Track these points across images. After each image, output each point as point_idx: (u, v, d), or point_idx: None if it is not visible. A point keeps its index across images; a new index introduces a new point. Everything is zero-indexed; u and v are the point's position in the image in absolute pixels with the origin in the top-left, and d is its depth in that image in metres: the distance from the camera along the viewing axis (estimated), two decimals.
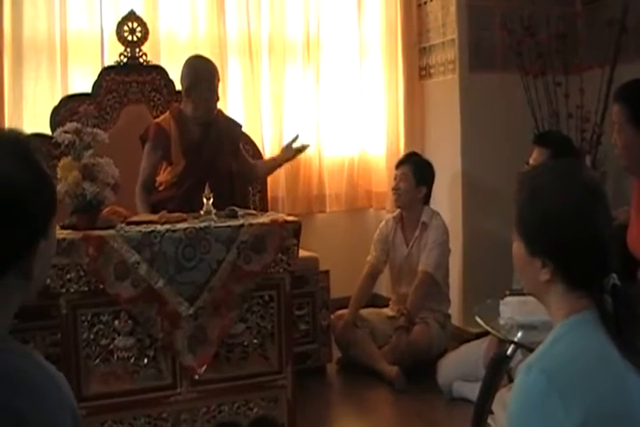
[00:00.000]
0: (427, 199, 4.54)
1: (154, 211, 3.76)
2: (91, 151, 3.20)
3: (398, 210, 4.61)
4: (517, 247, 1.61)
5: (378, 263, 4.59)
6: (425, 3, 5.22)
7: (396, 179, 4.55)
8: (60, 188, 3.10)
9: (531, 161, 3.67)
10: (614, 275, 1.50)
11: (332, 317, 4.36)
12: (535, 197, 1.59)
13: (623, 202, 3.39)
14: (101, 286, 3.03)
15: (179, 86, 4.17)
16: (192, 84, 3.96)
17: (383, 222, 4.69)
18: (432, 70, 5.20)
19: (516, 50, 4.64)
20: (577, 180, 1.58)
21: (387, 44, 5.42)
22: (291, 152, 4.24)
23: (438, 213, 4.51)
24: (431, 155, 4.65)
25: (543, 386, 1.38)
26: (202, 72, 3.97)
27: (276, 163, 4.38)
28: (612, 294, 1.49)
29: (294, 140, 4.22)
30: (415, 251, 4.48)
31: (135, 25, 4.58)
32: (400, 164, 4.60)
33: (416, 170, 4.48)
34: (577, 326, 1.49)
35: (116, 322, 3.09)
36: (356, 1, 5.50)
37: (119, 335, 3.09)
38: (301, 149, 4.25)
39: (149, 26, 4.64)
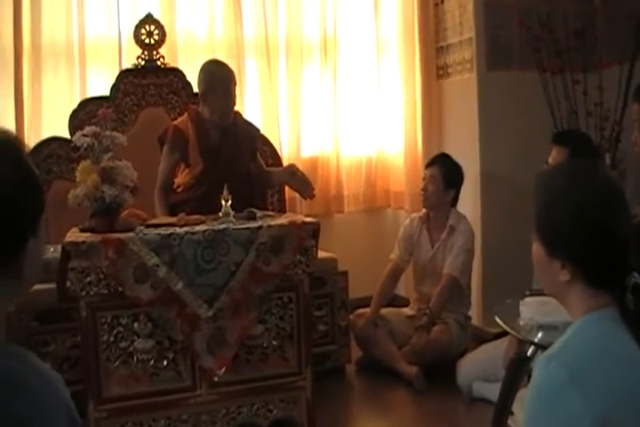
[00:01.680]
0: (454, 202, 4.52)
1: (172, 212, 3.78)
2: (109, 154, 3.22)
3: (424, 210, 4.59)
4: (536, 249, 1.61)
5: (401, 262, 4.58)
6: (442, 2, 5.20)
7: (424, 180, 4.53)
8: (79, 191, 3.13)
9: (550, 160, 3.65)
10: (636, 273, 1.50)
11: (352, 316, 4.36)
12: (552, 198, 1.59)
13: None
14: (121, 289, 3.04)
15: (196, 89, 4.18)
16: (208, 90, 3.97)
17: (408, 221, 4.67)
18: (450, 69, 5.19)
19: (534, 47, 4.62)
20: (594, 180, 1.58)
21: (404, 43, 5.41)
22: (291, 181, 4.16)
23: (465, 217, 4.50)
24: (449, 153, 4.62)
25: (563, 378, 1.38)
26: (218, 77, 3.97)
27: (276, 181, 4.32)
28: (634, 293, 1.48)
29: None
30: (440, 253, 4.47)
31: (152, 28, 4.60)
32: (429, 165, 4.58)
33: (445, 172, 4.46)
34: (597, 321, 1.49)
35: (136, 324, 3.10)
36: (373, 0, 5.49)
37: (139, 338, 3.10)
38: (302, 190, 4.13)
39: (166, 28, 4.66)
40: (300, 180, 4.09)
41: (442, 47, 5.26)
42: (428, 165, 4.59)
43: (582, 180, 1.59)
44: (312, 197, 4.14)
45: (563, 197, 1.57)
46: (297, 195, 5.09)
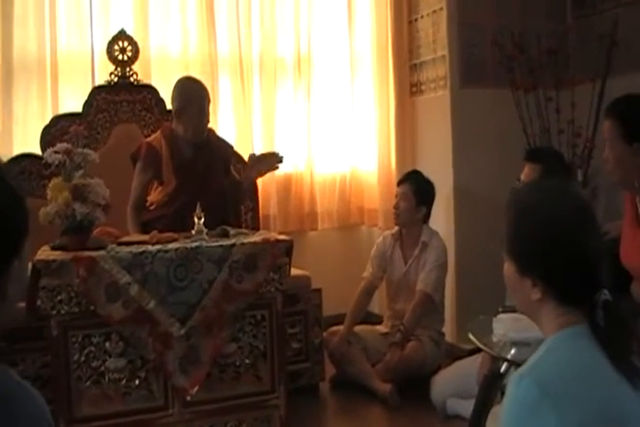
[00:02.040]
0: (426, 218, 4.53)
1: (145, 230, 3.76)
2: (81, 172, 3.20)
3: (397, 227, 4.60)
4: (508, 267, 1.62)
5: (374, 279, 4.58)
6: (415, 19, 5.23)
7: (396, 197, 4.54)
8: (51, 208, 3.10)
9: (522, 177, 3.67)
10: (605, 291, 1.50)
11: (326, 333, 4.34)
12: (523, 217, 1.59)
13: (615, 216, 3.39)
14: (92, 308, 3.02)
15: (169, 105, 4.17)
16: (182, 107, 3.96)
17: (380, 239, 4.67)
18: (423, 87, 5.21)
19: (507, 65, 4.65)
20: (564, 198, 1.59)
21: (377, 60, 5.44)
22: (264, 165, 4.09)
23: (437, 233, 4.51)
24: (423, 171, 4.63)
25: (535, 395, 1.38)
26: (192, 95, 3.97)
27: (251, 176, 4.23)
28: (604, 310, 1.49)
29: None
30: (413, 269, 4.47)
31: (126, 44, 4.59)
32: (401, 182, 4.59)
33: (416, 189, 4.47)
34: (569, 338, 1.50)
35: (107, 343, 3.07)
36: (347, 18, 5.52)
37: (110, 357, 3.07)
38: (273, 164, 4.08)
39: (140, 45, 4.64)
40: (263, 162, 4.04)
41: (415, 64, 5.29)
42: (399, 183, 4.60)
43: (552, 198, 1.59)
44: (281, 159, 4.02)
45: (532, 214, 1.58)
46: (271, 212, 5.10)
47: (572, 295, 1.52)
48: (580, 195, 1.69)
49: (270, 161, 4.04)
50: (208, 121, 4.04)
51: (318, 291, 4.23)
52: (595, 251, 1.54)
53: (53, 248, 3.18)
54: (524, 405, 1.39)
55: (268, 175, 5.03)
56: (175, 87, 4.05)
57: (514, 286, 1.62)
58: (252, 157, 4.09)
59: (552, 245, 1.52)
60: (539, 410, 1.37)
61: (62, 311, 3.00)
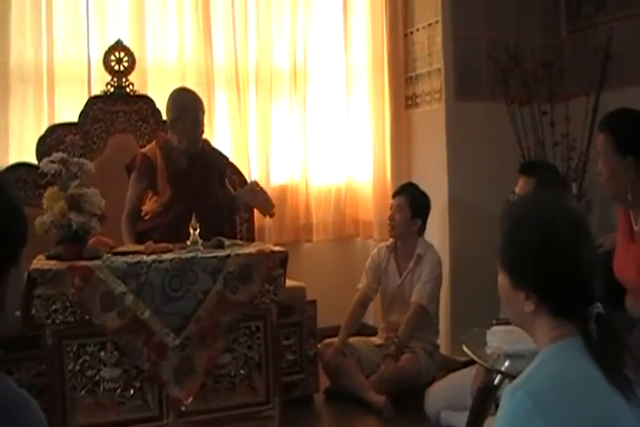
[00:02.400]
0: (421, 231, 4.54)
1: (140, 240, 3.76)
2: (77, 181, 3.20)
3: (392, 239, 4.60)
4: (502, 279, 1.63)
5: (369, 291, 4.58)
6: (411, 33, 5.26)
7: (391, 209, 4.54)
8: (46, 218, 3.11)
9: (517, 190, 3.69)
10: (598, 304, 1.51)
11: (320, 345, 4.34)
12: (517, 230, 1.60)
13: (609, 229, 3.41)
14: (87, 317, 3.02)
15: (165, 116, 4.17)
16: (177, 118, 3.97)
17: (375, 250, 4.68)
18: (418, 100, 5.23)
19: (502, 79, 4.68)
20: (559, 212, 1.60)
21: (373, 73, 5.46)
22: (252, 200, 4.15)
23: (432, 246, 4.52)
24: (418, 183, 4.65)
25: (528, 408, 1.39)
26: (186, 105, 3.98)
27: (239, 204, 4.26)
28: (597, 323, 1.50)
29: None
30: (408, 281, 4.48)
31: (122, 54, 4.60)
32: (396, 194, 4.60)
33: (412, 202, 4.48)
34: (562, 351, 1.51)
35: (102, 353, 3.07)
36: (343, 31, 5.54)
37: (105, 366, 3.07)
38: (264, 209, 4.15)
39: (136, 55, 4.66)
40: (260, 196, 4.09)
41: (411, 77, 5.31)
42: (395, 195, 4.61)
43: (546, 211, 1.60)
44: (272, 215, 4.14)
45: (526, 227, 1.59)
46: (267, 223, 5.10)
47: (566, 308, 1.53)
48: (574, 208, 1.70)
49: (263, 203, 4.10)
50: (203, 131, 4.05)
51: (313, 302, 4.23)
52: (588, 264, 1.55)
53: (49, 257, 3.19)
54: (517, 417, 1.40)
55: (263, 187, 5.05)
56: (170, 98, 4.06)
57: (507, 299, 1.63)
58: (253, 185, 4.15)
59: (545, 258, 1.53)
60: (531, 422, 1.38)
61: (57, 320, 3.00)
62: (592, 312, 1.50)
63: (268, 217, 4.29)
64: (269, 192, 4.72)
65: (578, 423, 1.38)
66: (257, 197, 4.09)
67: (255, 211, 4.70)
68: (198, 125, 4.00)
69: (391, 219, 4.51)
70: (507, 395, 1.44)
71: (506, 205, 1.74)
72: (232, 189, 4.31)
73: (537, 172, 3.71)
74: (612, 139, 2.94)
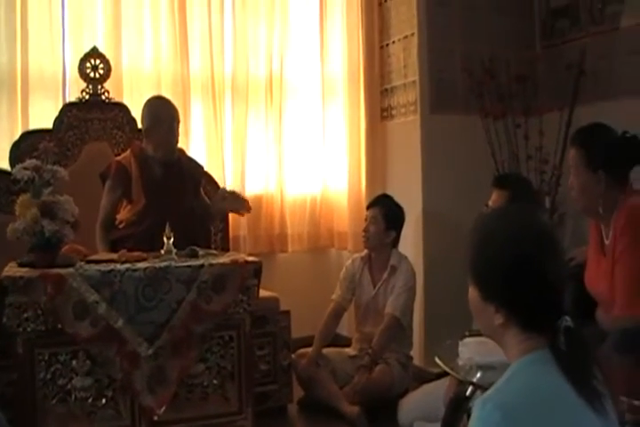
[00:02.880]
0: (395, 242, 4.55)
1: (113, 249, 3.75)
2: (50, 188, 3.19)
3: (366, 250, 4.61)
4: (472, 292, 1.64)
5: (343, 302, 4.58)
6: (387, 45, 5.28)
7: (366, 220, 4.55)
8: (19, 225, 3.09)
9: (490, 203, 3.71)
10: (567, 317, 1.52)
11: (294, 355, 4.33)
12: (485, 243, 1.62)
13: (582, 242, 3.44)
14: (59, 326, 3.00)
15: (140, 124, 4.16)
16: (152, 126, 3.97)
17: (350, 261, 4.68)
18: (394, 111, 5.25)
19: (477, 92, 4.71)
20: (528, 226, 1.61)
21: (349, 84, 5.47)
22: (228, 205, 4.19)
23: (406, 257, 4.52)
24: (393, 194, 4.65)
25: (497, 420, 1.40)
26: (161, 114, 3.98)
27: (216, 211, 4.30)
28: (565, 335, 1.51)
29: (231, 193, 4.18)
30: (382, 293, 4.48)
31: (98, 62, 4.57)
32: (370, 206, 4.60)
33: (386, 213, 4.49)
34: (532, 364, 1.52)
35: (74, 362, 3.06)
36: (319, 41, 5.56)
37: (77, 375, 3.06)
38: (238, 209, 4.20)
39: (112, 63, 4.63)
40: (230, 200, 4.11)
41: (386, 89, 5.33)
42: (369, 206, 4.62)
43: (515, 224, 1.62)
44: (249, 209, 4.15)
45: (494, 240, 1.60)
46: (241, 233, 5.10)
47: (535, 321, 1.54)
48: (544, 221, 1.71)
49: (236, 204, 4.12)
50: (177, 140, 4.04)
51: (287, 313, 4.22)
52: (557, 277, 1.56)
53: (21, 265, 3.17)
54: None
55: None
56: (145, 106, 4.06)
57: (477, 312, 1.64)
58: (222, 192, 4.17)
59: (513, 272, 1.54)
60: None
61: (29, 329, 2.98)
62: (561, 325, 1.51)
63: (246, 213, 4.27)
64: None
65: None
66: (228, 201, 4.11)
67: (230, 219, 4.71)
68: (173, 135, 3.99)
69: (365, 230, 4.52)
70: (477, 407, 1.45)
71: (476, 218, 1.75)
72: (208, 200, 4.30)
73: (510, 185, 3.73)
74: (583, 153, 2.98)
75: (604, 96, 4.53)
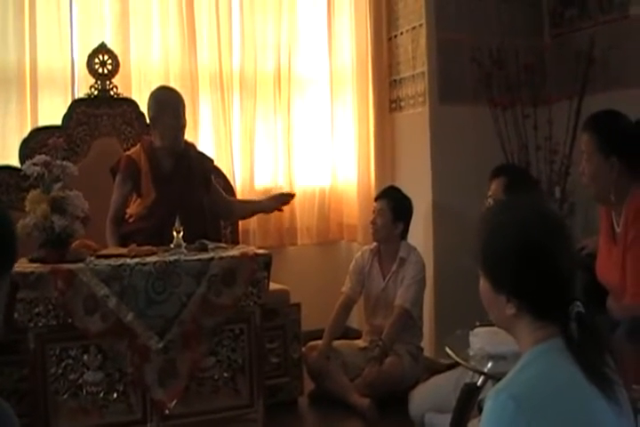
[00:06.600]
0: (404, 234, 4.54)
1: (123, 243, 3.75)
2: (60, 184, 3.20)
3: (375, 242, 4.60)
4: (483, 284, 1.64)
5: (353, 294, 4.58)
6: (395, 36, 5.27)
7: (374, 213, 4.55)
8: (29, 220, 3.10)
9: (489, 193, 3.69)
10: (578, 303, 1.52)
11: (304, 348, 4.34)
12: (494, 234, 1.61)
13: (593, 232, 3.42)
14: (70, 320, 3.01)
15: (147, 116, 4.16)
16: (157, 114, 3.97)
17: (359, 254, 4.68)
18: (402, 103, 5.24)
19: (485, 82, 4.70)
20: (536, 216, 1.60)
21: (358, 76, 5.46)
22: (276, 202, 4.34)
23: (415, 248, 4.52)
24: (402, 186, 4.65)
25: (511, 410, 1.39)
26: (166, 100, 3.98)
27: (257, 209, 4.46)
28: (577, 322, 1.50)
29: (288, 194, 4.39)
30: (392, 285, 4.48)
31: (106, 57, 4.58)
32: (378, 198, 4.60)
33: (394, 205, 4.48)
34: (544, 353, 1.51)
35: (85, 356, 3.06)
36: (327, 34, 5.55)
37: (88, 370, 3.07)
38: (286, 202, 4.37)
39: (120, 58, 4.64)
40: (279, 199, 4.37)
41: (395, 81, 5.32)
42: (376, 198, 4.62)
43: (521, 213, 1.61)
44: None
45: (502, 231, 1.60)
46: (251, 226, 5.11)
47: (546, 310, 1.54)
48: (551, 210, 1.71)
49: (284, 199, 4.37)
50: (184, 126, 4.02)
51: (297, 305, 4.23)
52: (566, 265, 1.55)
53: (31, 260, 3.17)
54: (501, 419, 1.41)
55: (248, 190, 5.08)
56: (151, 96, 4.06)
57: (489, 302, 1.64)
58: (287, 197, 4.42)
59: (523, 263, 1.54)
60: (514, 425, 1.38)
61: (40, 324, 2.99)
62: (572, 311, 1.51)
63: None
64: (254, 195, 4.75)
65: (558, 424, 1.39)
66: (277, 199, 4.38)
67: None
68: (179, 120, 3.97)
69: (373, 222, 4.51)
70: (491, 398, 1.44)
71: (484, 211, 1.74)
72: (223, 193, 4.32)
73: (505, 172, 3.73)
74: (596, 139, 2.96)
75: (614, 85, 4.51)
